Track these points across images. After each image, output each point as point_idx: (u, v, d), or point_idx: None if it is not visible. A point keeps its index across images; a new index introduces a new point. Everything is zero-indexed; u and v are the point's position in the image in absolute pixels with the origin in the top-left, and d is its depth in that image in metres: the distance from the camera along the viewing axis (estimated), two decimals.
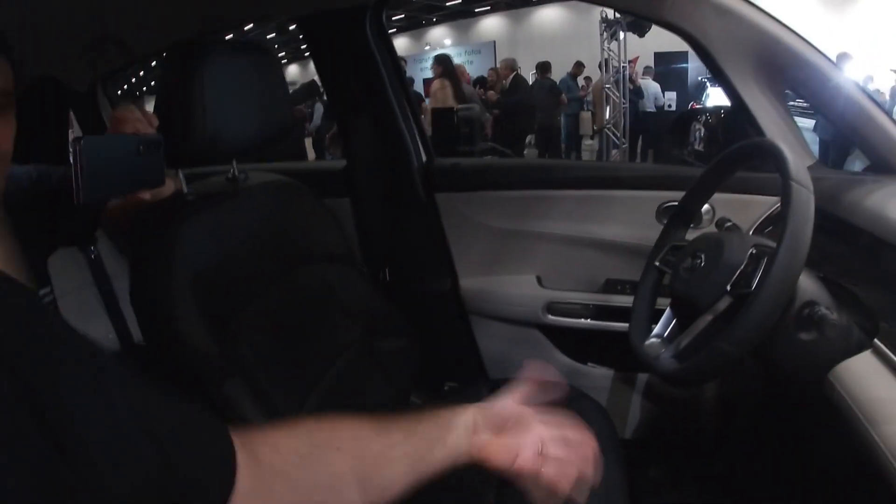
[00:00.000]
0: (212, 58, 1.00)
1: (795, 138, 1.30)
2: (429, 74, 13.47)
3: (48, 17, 1.39)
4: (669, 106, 9.30)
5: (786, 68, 1.24)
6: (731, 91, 1.29)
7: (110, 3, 1.42)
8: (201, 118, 0.98)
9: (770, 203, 1.34)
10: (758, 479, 1.39)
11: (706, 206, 1.37)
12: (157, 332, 0.96)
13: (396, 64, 1.67)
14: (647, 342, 1.05)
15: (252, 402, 0.97)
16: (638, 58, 9.71)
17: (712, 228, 1.25)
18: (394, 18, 16.35)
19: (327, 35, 1.62)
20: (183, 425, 0.51)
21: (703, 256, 0.98)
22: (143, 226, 1.00)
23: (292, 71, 19.22)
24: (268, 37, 15.67)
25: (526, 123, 7.99)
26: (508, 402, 0.77)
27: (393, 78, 1.65)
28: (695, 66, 10.41)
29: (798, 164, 0.89)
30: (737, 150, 1.07)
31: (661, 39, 9.48)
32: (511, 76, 7.90)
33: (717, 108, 1.94)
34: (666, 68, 10.31)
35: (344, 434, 0.65)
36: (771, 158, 0.94)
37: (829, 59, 1.22)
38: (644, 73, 9.57)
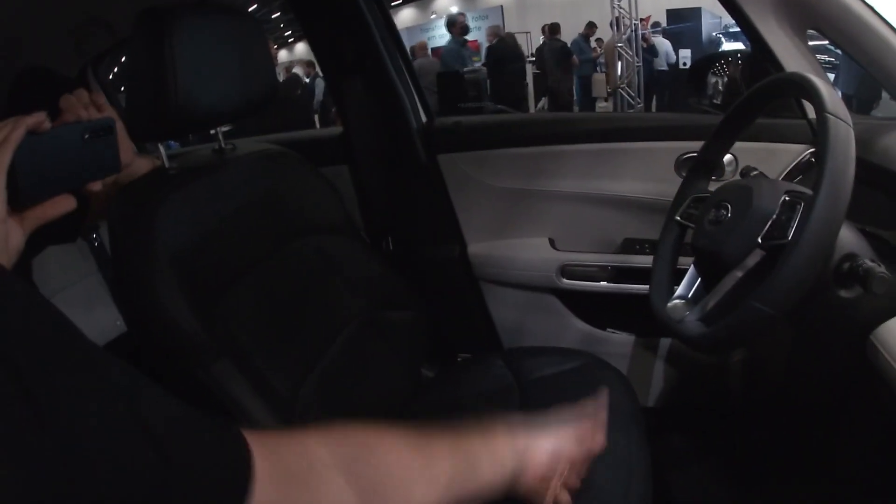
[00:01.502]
0: (181, 22, 0.95)
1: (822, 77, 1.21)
2: (437, 43, 13.43)
3: (30, 4, 1.34)
4: (685, 64, 9.10)
5: (809, 3, 1.15)
6: (749, 30, 1.21)
7: None
8: (172, 86, 0.94)
9: (797, 151, 1.28)
10: (786, 449, 1.34)
11: (728, 157, 1.30)
12: (139, 314, 0.93)
13: (388, 20, 1.61)
14: (670, 304, 0.98)
15: (245, 383, 0.94)
16: (650, 17, 9.51)
17: (736, 178, 1.17)
18: None
19: None
20: (185, 426, 0.48)
21: (729, 207, 0.90)
22: (122, 202, 0.97)
23: (300, 49, 19.09)
24: (273, 16, 15.57)
25: (516, 89, 8.07)
26: (558, 453, 0.77)
27: (385, 35, 1.58)
28: (708, 22, 10.17)
29: (833, 96, 0.80)
30: (762, 87, 0.98)
31: None
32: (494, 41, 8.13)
33: (736, 52, 1.84)
34: (679, 26, 10.07)
35: (384, 455, 0.62)
36: (802, 92, 0.86)
37: None
38: (652, 31, 9.37)
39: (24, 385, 0.36)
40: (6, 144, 0.65)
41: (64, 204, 0.71)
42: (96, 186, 0.76)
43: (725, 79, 1.67)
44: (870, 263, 0.79)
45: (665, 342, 1.57)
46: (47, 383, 0.38)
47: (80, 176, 0.74)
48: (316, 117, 8.19)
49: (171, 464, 0.43)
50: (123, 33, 1.69)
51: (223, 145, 1.16)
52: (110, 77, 2.48)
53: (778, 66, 1.19)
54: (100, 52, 1.87)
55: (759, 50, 1.21)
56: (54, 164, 0.71)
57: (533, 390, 1.25)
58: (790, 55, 1.19)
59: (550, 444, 0.76)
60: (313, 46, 1.65)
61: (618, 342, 1.60)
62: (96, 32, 1.66)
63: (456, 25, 7.28)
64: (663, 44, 9.09)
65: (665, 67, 8.86)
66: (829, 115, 0.77)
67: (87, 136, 0.73)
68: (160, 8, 0.95)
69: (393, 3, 14.58)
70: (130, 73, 0.99)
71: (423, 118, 1.65)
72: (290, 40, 18.82)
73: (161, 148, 1.04)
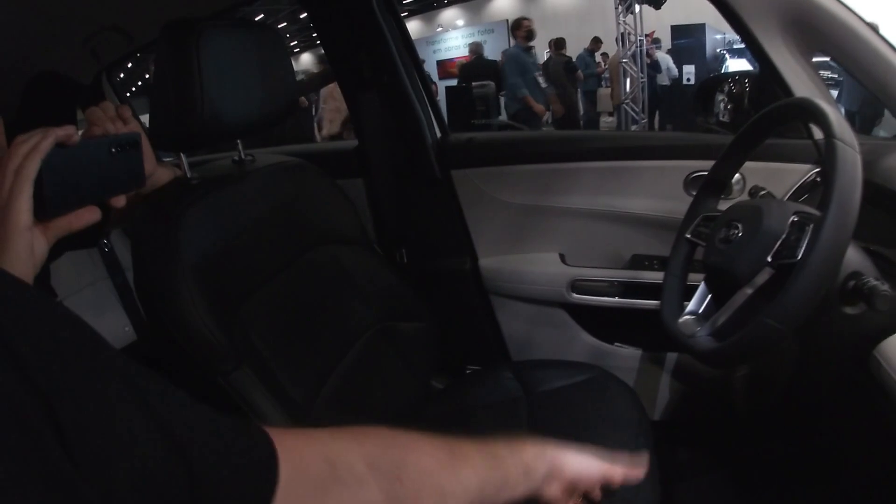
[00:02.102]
0: (207, 35, 0.97)
1: (829, 102, 1.23)
2: (443, 56, 13.47)
3: (46, 10, 1.36)
4: (689, 80, 9.12)
5: (815, 26, 1.16)
6: (758, 52, 1.22)
7: None
8: (199, 98, 0.95)
9: (803, 171, 1.29)
10: (791, 462, 1.35)
11: (736, 176, 1.31)
12: (162, 321, 0.93)
13: (406, 36, 1.62)
14: (681, 320, 1.00)
15: (263, 391, 0.96)
16: (654, 32, 9.53)
17: (745, 198, 1.19)
18: (404, 2, 16.21)
19: (331, 8, 1.57)
20: (209, 430, 0.47)
21: (739, 226, 0.92)
22: (146, 212, 0.98)
23: (305, 60, 19.16)
24: (279, 26, 15.65)
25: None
26: (589, 468, 0.75)
27: (403, 51, 1.60)
28: (712, 39, 10.20)
29: (841, 121, 0.83)
30: (772, 110, 1.01)
31: (677, 12, 9.33)
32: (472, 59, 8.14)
33: (743, 73, 1.87)
34: (683, 41, 10.10)
35: (411, 463, 0.60)
36: (811, 118, 0.88)
37: (858, 16, 1.14)
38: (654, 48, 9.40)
39: (52, 405, 0.36)
40: (34, 154, 0.66)
41: (88, 216, 0.71)
42: (120, 202, 0.76)
43: (732, 99, 1.70)
44: (874, 282, 0.81)
45: (672, 357, 1.57)
46: (70, 393, 0.38)
47: (105, 189, 0.74)
48: (316, 127, 8.21)
49: (196, 470, 0.43)
50: (139, 41, 1.71)
51: (243, 156, 1.18)
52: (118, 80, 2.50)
53: (785, 89, 1.20)
54: (114, 60, 1.89)
55: (767, 72, 1.22)
56: (80, 177, 0.71)
57: (541, 402, 1.26)
58: (798, 78, 1.20)
59: (579, 458, 0.74)
60: (331, 60, 1.67)
61: (625, 356, 1.60)
62: (112, 40, 1.67)
63: (521, 29, 6.55)
64: (664, 59, 9.11)
65: (667, 83, 8.90)
66: (837, 140, 0.79)
67: (113, 150, 0.74)
68: (185, 20, 0.96)
69: None
70: (156, 83, 1.01)
71: (438, 133, 1.67)
72: (295, 50, 18.90)
73: (183, 158, 1.05)
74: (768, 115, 1.01)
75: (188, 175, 1.05)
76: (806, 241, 0.81)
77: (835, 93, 5.11)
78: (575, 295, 1.57)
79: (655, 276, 1.43)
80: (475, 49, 8.54)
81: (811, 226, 0.82)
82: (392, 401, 1.25)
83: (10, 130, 0.72)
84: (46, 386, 0.36)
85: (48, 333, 0.39)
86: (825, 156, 0.81)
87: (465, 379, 1.56)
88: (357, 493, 0.55)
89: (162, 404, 0.44)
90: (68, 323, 0.42)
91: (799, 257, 0.80)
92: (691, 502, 1.46)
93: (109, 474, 0.38)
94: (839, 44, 1.15)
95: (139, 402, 0.42)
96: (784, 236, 0.85)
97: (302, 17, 13.08)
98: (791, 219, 0.86)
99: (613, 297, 1.54)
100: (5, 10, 1.32)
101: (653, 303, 1.44)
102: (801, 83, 1.20)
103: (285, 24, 15.76)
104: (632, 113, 8.06)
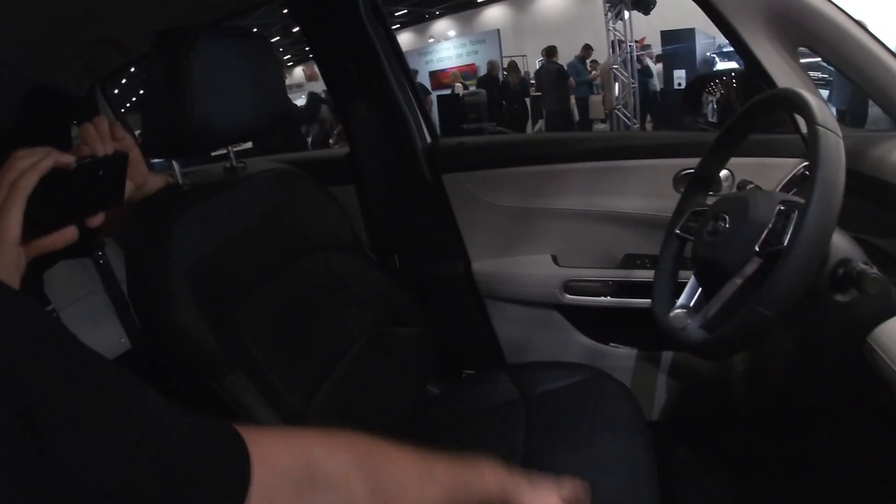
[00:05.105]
0: (199, 43, 0.97)
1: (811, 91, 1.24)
2: (435, 67, 13.55)
3: (41, 23, 1.37)
4: (679, 84, 9.18)
5: (800, 22, 1.17)
6: (742, 48, 1.23)
7: (103, 4, 1.40)
8: (190, 105, 0.95)
9: (791, 165, 1.30)
10: (790, 460, 1.34)
11: (725, 172, 1.32)
12: (155, 327, 0.93)
13: (395, 45, 1.64)
14: (672, 314, 1.00)
15: (257, 395, 0.96)
16: (644, 38, 9.61)
17: (734, 191, 1.19)
18: (396, 14, 16.30)
19: (320, 17, 1.58)
20: (186, 432, 0.47)
21: (726, 217, 0.93)
22: (138, 218, 0.98)
23: (297, 74, 19.20)
24: (273, 40, 15.69)
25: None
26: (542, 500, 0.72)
27: (392, 59, 1.61)
28: (702, 43, 10.26)
29: (823, 108, 0.83)
30: (754, 103, 1.01)
31: (667, 17, 9.40)
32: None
33: (729, 71, 1.88)
34: (673, 47, 10.16)
35: (387, 471, 0.61)
36: (793, 107, 0.89)
37: (844, 12, 1.15)
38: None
39: (29, 409, 0.36)
40: (32, 172, 0.65)
41: (67, 236, 0.71)
42: (97, 220, 0.75)
43: (720, 97, 1.71)
44: (862, 266, 0.82)
45: (667, 355, 1.57)
46: (52, 406, 0.37)
47: (86, 209, 0.74)
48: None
49: (172, 474, 0.43)
50: (134, 53, 1.72)
51: (234, 163, 1.18)
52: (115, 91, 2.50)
53: (770, 83, 1.21)
54: (109, 73, 1.89)
55: (752, 68, 1.23)
56: (66, 200, 0.71)
57: (538, 405, 1.26)
58: (782, 72, 1.21)
59: (533, 490, 0.72)
60: (321, 69, 1.68)
61: (620, 356, 1.60)
62: (106, 52, 1.68)
63: None
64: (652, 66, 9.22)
65: (656, 88, 8.99)
66: (819, 126, 0.80)
67: (101, 173, 0.74)
68: (178, 28, 0.97)
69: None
70: (148, 91, 1.01)
71: (428, 139, 1.67)
72: (289, 64, 18.93)
73: (175, 165, 1.05)
74: (752, 108, 1.02)
75: (180, 182, 1.05)
76: (792, 227, 0.81)
77: (825, 93, 5.16)
78: (568, 296, 1.57)
79: (648, 275, 1.43)
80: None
81: (797, 212, 0.82)
82: (388, 406, 1.25)
83: (4, 144, 0.71)
84: (32, 397, 0.36)
85: (37, 344, 0.39)
86: (809, 142, 0.82)
87: (461, 383, 1.56)
88: (334, 498, 0.56)
89: (137, 405, 0.44)
90: (49, 327, 0.42)
91: (785, 243, 0.80)
92: (690, 502, 1.46)
93: (82, 474, 0.38)
94: (822, 37, 1.15)
95: (120, 410, 0.42)
96: (771, 225, 0.85)
97: (295, 30, 13.13)
98: (777, 208, 0.87)
99: (607, 296, 1.54)
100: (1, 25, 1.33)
101: (646, 301, 1.43)
102: (785, 77, 1.21)
103: (278, 38, 15.80)
104: (623, 118, 8.11)
